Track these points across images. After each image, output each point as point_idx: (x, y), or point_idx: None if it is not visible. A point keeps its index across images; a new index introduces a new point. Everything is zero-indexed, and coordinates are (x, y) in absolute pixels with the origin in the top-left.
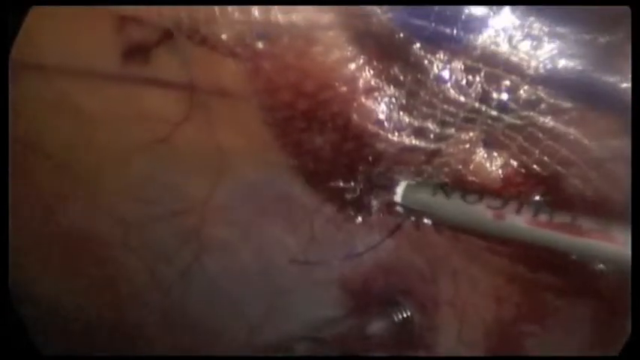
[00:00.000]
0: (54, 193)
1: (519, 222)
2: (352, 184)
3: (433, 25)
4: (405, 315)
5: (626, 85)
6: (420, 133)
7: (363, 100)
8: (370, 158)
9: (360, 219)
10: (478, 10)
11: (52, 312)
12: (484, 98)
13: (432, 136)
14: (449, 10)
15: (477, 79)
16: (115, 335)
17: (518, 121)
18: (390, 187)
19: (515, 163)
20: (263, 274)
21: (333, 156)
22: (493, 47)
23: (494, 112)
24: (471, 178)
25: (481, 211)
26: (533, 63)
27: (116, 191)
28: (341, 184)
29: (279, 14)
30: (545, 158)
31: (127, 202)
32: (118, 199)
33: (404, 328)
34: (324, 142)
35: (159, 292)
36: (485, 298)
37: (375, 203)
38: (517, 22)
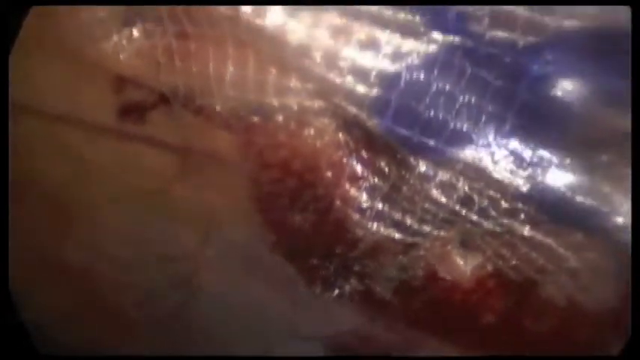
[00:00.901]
0: (50, 231)
1: None
2: (328, 264)
3: (417, 136)
4: None
5: (608, 211)
6: (398, 225)
7: (347, 186)
8: (348, 242)
9: (337, 297)
10: (463, 126)
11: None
12: (465, 202)
13: (410, 230)
14: (434, 123)
15: (460, 184)
16: None
17: (497, 228)
18: (366, 275)
19: (489, 267)
20: (251, 326)
21: (311, 236)
22: (475, 162)
23: (474, 217)
24: (444, 275)
25: None
26: (515, 182)
27: (111, 232)
28: (316, 262)
29: (273, 97)
30: (521, 265)
31: (122, 244)
32: (112, 240)
33: None
34: (304, 221)
35: (149, 331)
36: None
37: (348, 287)
38: (501, 140)
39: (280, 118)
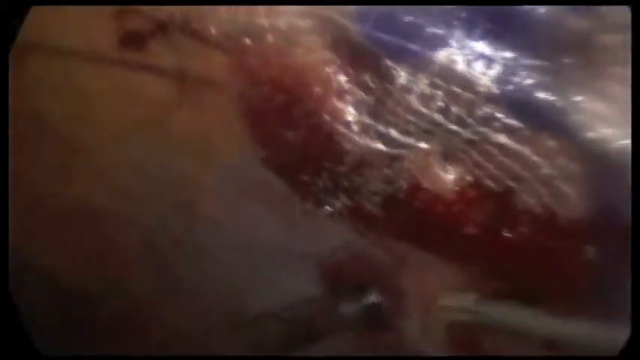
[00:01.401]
0: (57, 167)
1: None
2: (318, 179)
3: (397, 40)
4: (373, 301)
5: (570, 110)
6: (383, 138)
7: (334, 101)
8: (336, 156)
9: (328, 214)
10: (439, 29)
11: (52, 285)
12: (444, 112)
13: (394, 142)
14: (412, 26)
15: (439, 93)
16: (112, 307)
17: (474, 137)
18: (354, 189)
19: (469, 177)
20: (247, 250)
21: (301, 150)
22: (450, 65)
23: (452, 126)
24: (426, 185)
25: None
26: (485, 82)
27: (115, 166)
28: (307, 178)
29: (263, 18)
30: (498, 174)
31: (126, 177)
32: (117, 174)
33: (372, 312)
34: (294, 136)
35: (154, 261)
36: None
37: (338, 203)
38: (472, 43)
39: (270, 38)
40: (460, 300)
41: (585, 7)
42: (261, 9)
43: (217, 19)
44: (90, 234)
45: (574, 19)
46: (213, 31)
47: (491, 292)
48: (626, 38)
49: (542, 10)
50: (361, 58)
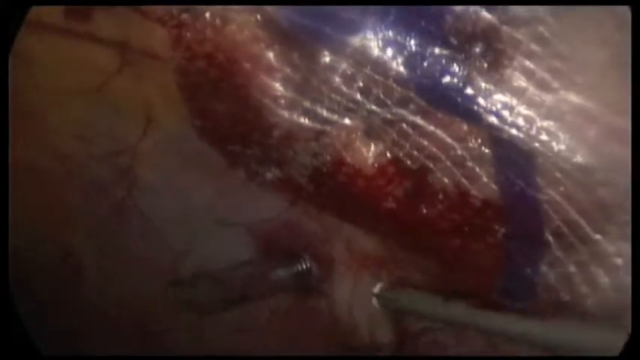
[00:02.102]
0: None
1: None
2: (249, 150)
3: (315, 24)
4: (304, 267)
5: (479, 96)
6: (309, 114)
7: (263, 77)
8: (265, 129)
9: (260, 184)
10: (353, 14)
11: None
12: (364, 91)
13: (319, 118)
14: (329, 11)
15: (359, 74)
16: (57, 271)
17: (392, 117)
18: (284, 161)
19: (389, 155)
20: (184, 216)
21: (232, 122)
22: (364, 48)
23: (372, 106)
24: (349, 161)
25: None
26: (396, 67)
27: (59, 131)
28: (238, 148)
29: None
30: (415, 153)
31: (69, 141)
32: (60, 139)
33: (303, 278)
34: (225, 109)
35: (96, 223)
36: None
37: (269, 175)
38: (386, 30)
39: (207, 14)
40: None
41: None
42: None
43: None
44: (35, 195)
45: (481, 11)
46: (154, 8)
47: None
48: (530, 31)
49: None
50: (289, 38)
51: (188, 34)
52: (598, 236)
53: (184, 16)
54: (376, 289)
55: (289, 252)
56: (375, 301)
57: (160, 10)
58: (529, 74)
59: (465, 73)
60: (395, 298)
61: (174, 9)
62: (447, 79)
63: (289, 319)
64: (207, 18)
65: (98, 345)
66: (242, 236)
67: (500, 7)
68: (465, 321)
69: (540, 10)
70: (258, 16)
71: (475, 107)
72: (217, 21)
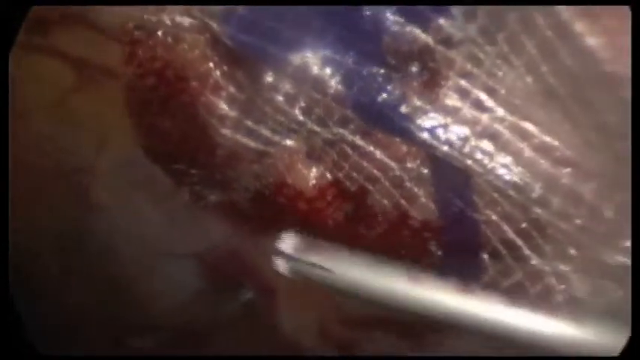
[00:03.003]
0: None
1: None
2: (194, 171)
3: (257, 42)
4: (247, 296)
5: (415, 115)
6: (252, 134)
7: (209, 96)
8: (209, 149)
9: (205, 208)
10: (295, 34)
11: None
12: (306, 111)
13: (262, 139)
14: (271, 29)
15: (301, 93)
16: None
17: (332, 137)
18: (227, 183)
19: (329, 176)
20: (136, 240)
21: (178, 141)
22: (304, 66)
23: (314, 126)
24: (291, 183)
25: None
26: (334, 85)
27: (24, 145)
28: (183, 168)
29: (152, 14)
30: (354, 174)
31: (32, 154)
32: (25, 152)
33: (248, 308)
34: (172, 126)
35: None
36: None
37: (213, 197)
38: (325, 49)
39: (160, 33)
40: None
41: (426, 20)
42: (151, 6)
43: (112, 13)
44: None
45: (417, 31)
46: (108, 23)
47: None
48: (464, 51)
49: (388, 20)
50: (235, 57)
51: (140, 52)
52: (534, 256)
53: (138, 33)
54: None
55: (233, 282)
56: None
57: (115, 26)
58: (464, 93)
59: (401, 91)
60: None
61: (129, 25)
62: (383, 97)
63: (245, 346)
64: (160, 36)
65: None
66: (191, 264)
67: (434, 28)
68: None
69: (472, 30)
70: (208, 35)
71: (410, 125)
72: (169, 39)
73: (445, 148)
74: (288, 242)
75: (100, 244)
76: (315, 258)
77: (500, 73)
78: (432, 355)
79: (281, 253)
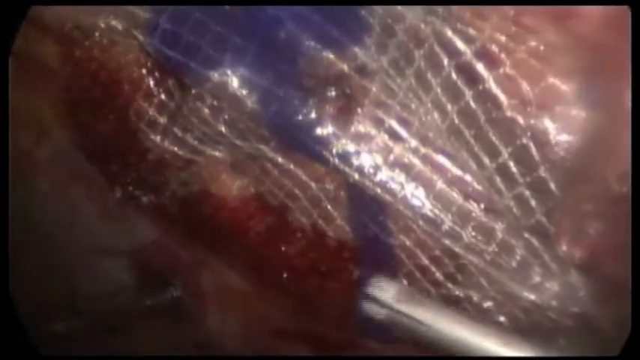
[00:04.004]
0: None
1: None
2: (126, 172)
3: (179, 56)
4: (175, 295)
5: (330, 139)
6: (180, 142)
7: (141, 101)
8: (140, 153)
9: (136, 208)
10: (214, 52)
11: None
12: (230, 125)
13: (189, 147)
14: (192, 46)
15: (224, 107)
16: None
17: (254, 152)
18: (157, 187)
19: (252, 189)
20: (72, 231)
21: (110, 142)
22: (222, 84)
23: (237, 140)
24: (215, 191)
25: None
26: (250, 104)
27: None
28: (116, 169)
29: (88, 16)
30: (276, 190)
31: None
32: None
33: (175, 305)
34: (105, 128)
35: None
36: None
37: (145, 199)
38: (242, 68)
39: (97, 35)
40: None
41: (341, 47)
42: (88, 8)
43: (53, 12)
44: None
45: (333, 58)
46: (48, 20)
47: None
48: (378, 80)
49: (305, 44)
50: (166, 65)
51: (77, 52)
52: (448, 282)
53: (76, 33)
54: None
55: (163, 279)
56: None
57: (53, 24)
58: (378, 122)
59: (316, 115)
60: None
61: (68, 25)
62: (298, 119)
63: (169, 344)
64: (96, 37)
65: None
66: (123, 260)
67: (350, 55)
68: None
69: (385, 62)
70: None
71: (323, 149)
72: (105, 41)
73: (356, 174)
74: (389, 291)
75: (37, 230)
76: (413, 310)
77: (413, 106)
78: (432, 355)
79: (378, 301)
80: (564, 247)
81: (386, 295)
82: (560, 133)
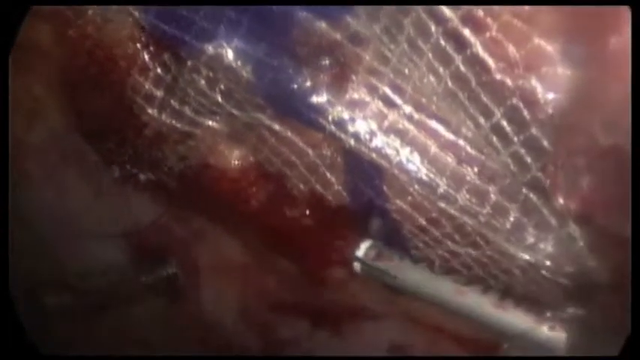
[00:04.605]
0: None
1: (484, 303)
2: (123, 150)
3: (174, 30)
4: (170, 272)
5: (326, 106)
6: (177, 115)
7: (136, 76)
8: (137, 128)
9: (134, 186)
10: (209, 25)
11: None
12: (226, 95)
13: (186, 119)
14: (186, 20)
15: (220, 78)
16: None
17: (251, 121)
18: (155, 164)
19: (251, 159)
20: (63, 215)
21: (107, 119)
22: (217, 56)
23: (233, 110)
24: (214, 163)
25: (446, 285)
26: (246, 75)
27: None
28: (113, 146)
29: None
30: (273, 158)
31: None
32: None
33: (170, 282)
34: (102, 106)
35: None
36: (236, 275)
37: (142, 176)
38: (238, 40)
39: (90, 12)
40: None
41: (334, 17)
42: None
43: None
44: None
45: (326, 27)
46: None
47: None
48: (372, 48)
49: (298, 15)
50: (161, 38)
51: (71, 32)
52: (447, 240)
53: (67, 12)
54: (360, 252)
55: (157, 257)
56: (357, 266)
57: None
58: (372, 89)
59: (311, 84)
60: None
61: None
62: (293, 88)
63: (165, 321)
64: (89, 15)
65: None
66: (118, 240)
67: (343, 24)
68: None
69: (377, 29)
70: (134, 17)
71: (318, 117)
72: (98, 19)
73: (352, 141)
74: (362, 249)
75: (25, 213)
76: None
77: (406, 71)
78: (432, 355)
79: (357, 259)
80: (560, 200)
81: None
82: (547, 91)
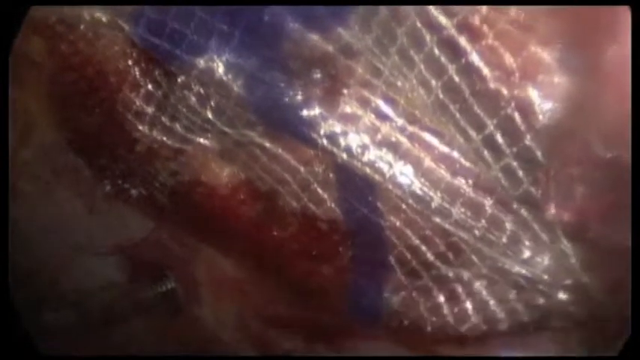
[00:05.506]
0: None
1: None
2: (115, 165)
3: (164, 44)
4: (169, 287)
5: (318, 121)
6: (168, 131)
7: (127, 92)
8: (128, 144)
9: (126, 201)
10: (199, 38)
11: None
12: (217, 112)
13: (177, 136)
14: (177, 33)
15: (211, 94)
16: None
17: (241, 138)
18: (147, 179)
19: (242, 176)
20: (58, 231)
21: (98, 135)
22: (208, 70)
23: (224, 127)
24: (205, 180)
25: None
26: (237, 89)
27: None
28: (104, 162)
29: (71, 9)
30: (265, 175)
31: None
32: None
33: (169, 298)
34: (92, 121)
35: None
36: (233, 289)
37: (134, 192)
38: (229, 54)
39: (82, 27)
40: None
41: (327, 29)
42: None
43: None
44: None
45: (317, 39)
46: (33, 15)
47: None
48: (363, 61)
49: (289, 26)
50: (152, 53)
51: (62, 45)
52: (438, 262)
53: (59, 27)
54: None
55: (156, 272)
56: None
57: (37, 18)
58: (364, 102)
59: (303, 97)
60: None
61: (52, 18)
62: (284, 102)
63: (165, 336)
64: (81, 30)
65: None
66: (115, 256)
67: (335, 36)
68: None
69: (369, 41)
70: (124, 33)
71: (310, 131)
72: (90, 34)
73: (344, 155)
74: None
75: (19, 232)
76: None
77: (398, 84)
78: (432, 355)
79: None
80: (552, 212)
81: None
82: (543, 101)
